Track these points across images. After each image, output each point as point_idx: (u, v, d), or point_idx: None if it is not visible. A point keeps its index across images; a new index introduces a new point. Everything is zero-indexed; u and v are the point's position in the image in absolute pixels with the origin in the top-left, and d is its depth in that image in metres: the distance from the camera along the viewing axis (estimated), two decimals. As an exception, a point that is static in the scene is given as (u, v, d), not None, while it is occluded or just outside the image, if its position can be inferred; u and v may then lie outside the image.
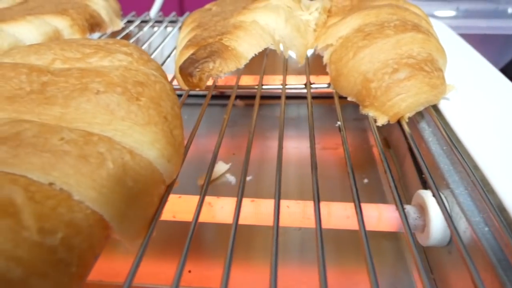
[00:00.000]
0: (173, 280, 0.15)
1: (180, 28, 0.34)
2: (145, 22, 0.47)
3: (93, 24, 0.38)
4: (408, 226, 0.17)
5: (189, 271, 0.27)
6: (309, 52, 0.30)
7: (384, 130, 0.38)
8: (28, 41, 0.31)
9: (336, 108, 0.25)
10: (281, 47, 0.27)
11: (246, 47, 0.25)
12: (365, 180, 0.33)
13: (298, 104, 0.46)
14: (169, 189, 0.19)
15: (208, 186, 0.19)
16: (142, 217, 0.17)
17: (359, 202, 0.17)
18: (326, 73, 0.33)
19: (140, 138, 0.17)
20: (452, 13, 0.49)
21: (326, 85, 0.28)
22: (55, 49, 0.21)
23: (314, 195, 0.18)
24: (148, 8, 0.58)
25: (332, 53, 0.26)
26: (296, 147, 0.38)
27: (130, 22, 0.48)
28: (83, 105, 0.17)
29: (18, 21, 0.31)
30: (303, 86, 0.28)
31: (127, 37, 0.44)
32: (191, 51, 0.25)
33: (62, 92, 0.18)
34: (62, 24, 0.34)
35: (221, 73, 0.23)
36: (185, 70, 0.24)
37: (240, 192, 0.19)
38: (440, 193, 0.21)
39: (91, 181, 0.15)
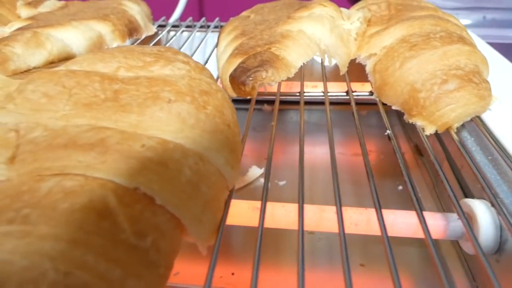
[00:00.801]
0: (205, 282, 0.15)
1: (218, 34, 0.35)
2: (176, 27, 0.48)
3: (131, 29, 0.39)
4: (472, 233, 0.17)
5: (221, 277, 0.27)
6: (333, 61, 0.31)
7: (415, 137, 0.39)
8: (75, 46, 0.32)
9: (382, 116, 0.25)
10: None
11: (295, 56, 0.25)
12: (400, 187, 0.34)
13: (322, 109, 0.47)
14: (230, 194, 0.20)
15: (267, 191, 0.20)
16: (213, 222, 0.17)
17: (421, 211, 0.18)
18: (358, 80, 0.34)
19: (208, 145, 0.18)
20: (478, 22, 0.49)
21: (367, 93, 0.29)
22: (119, 57, 0.22)
23: (375, 203, 0.18)
24: (167, 13, 0.58)
25: (376, 62, 0.27)
26: (328, 153, 0.39)
27: (160, 26, 0.49)
28: (157, 113, 0.18)
29: (65, 26, 0.32)
30: (345, 93, 0.29)
31: (159, 42, 0.45)
32: (239, 60, 0.26)
33: (136, 100, 0.18)
34: (104, 30, 0.35)
35: (272, 82, 0.24)
36: (237, 79, 0.24)
37: (264, 196, 0.19)
38: (491, 203, 0.22)
39: (172, 187, 0.16)
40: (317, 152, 0.39)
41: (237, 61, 0.26)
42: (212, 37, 0.47)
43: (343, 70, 0.29)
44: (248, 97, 0.24)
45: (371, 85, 0.28)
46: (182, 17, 0.55)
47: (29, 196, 0.15)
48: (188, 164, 0.17)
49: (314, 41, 0.27)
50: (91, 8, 0.39)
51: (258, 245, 0.17)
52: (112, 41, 0.36)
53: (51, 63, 0.31)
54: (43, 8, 0.38)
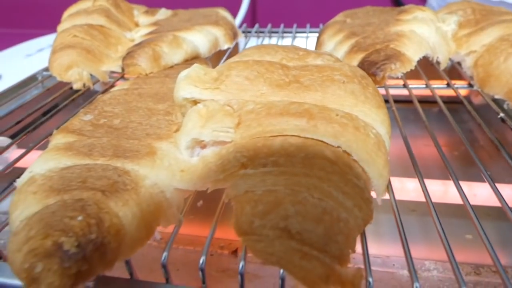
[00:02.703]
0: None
1: (318, 38, 0.40)
2: (261, 33, 0.53)
3: (235, 33, 0.44)
4: None
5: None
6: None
7: (494, 131, 0.43)
8: (201, 47, 0.38)
9: (489, 103, 0.29)
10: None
11: (412, 52, 0.30)
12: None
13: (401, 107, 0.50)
14: (382, 161, 0.24)
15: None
16: (388, 178, 0.22)
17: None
18: (438, 78, 0.38)
19: (375, 118, 0.23)
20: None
21: (466, 85, 0.33)
22: (279, 51, 0.27)
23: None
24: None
25: (478, 58, 0.31)
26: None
27: (245, 33, 0.54)
28: (337, 91, 0.22)
29: (192, 30, 0.38)
30: (446, 85, 0.33)
31: (236, 47, 0.50)
32: (360, 55, 0.31)
33: (315, 82, 0.23)
34: (218, 33, 0.40)
35: (399, 73, 0.29)
36: (367, 71, 0.29)
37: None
38: None
39: (364, 146, 0.20)
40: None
41: (358, 56, 0.31)
42: (283, 40, 0.52)
43: (444, 65, 0.33)
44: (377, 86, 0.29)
45: (472, 78, 0.32)
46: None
47: (268, 149, 0.19)
48: (371, 130, 0.21)
49: (424, 40, 0.31)
50: (199, 16, 0.44)
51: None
52: (223, 43, 0.41)
53: (186, 61, 0.36)
54: (159, 16, 0.44)
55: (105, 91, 0.30)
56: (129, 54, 0.33)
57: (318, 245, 0.16)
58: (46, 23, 0.86)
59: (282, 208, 0.17)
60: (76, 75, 0.34)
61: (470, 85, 0.33)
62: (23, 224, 0.17)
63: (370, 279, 0.17)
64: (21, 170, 0.21)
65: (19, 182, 0.20)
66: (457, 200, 0.25)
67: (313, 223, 0.16)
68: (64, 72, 0.34)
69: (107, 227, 0.17)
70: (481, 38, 0.32)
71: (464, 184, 0.24)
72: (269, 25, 0.55)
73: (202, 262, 0.18)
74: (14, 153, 0.34)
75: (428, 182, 0.25)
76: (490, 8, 0.37)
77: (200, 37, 0.38)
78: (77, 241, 0.16)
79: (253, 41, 0.53)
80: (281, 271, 0.17)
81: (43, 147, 0.25)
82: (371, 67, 0.29)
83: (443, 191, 0.29)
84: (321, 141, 0.20)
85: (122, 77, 0.37)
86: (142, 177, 0.20)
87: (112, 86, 0.35)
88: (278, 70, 0.24)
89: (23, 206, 0.18)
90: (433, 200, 0.22)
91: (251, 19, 0.87)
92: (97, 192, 0.18)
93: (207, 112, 0.22)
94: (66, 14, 0.42)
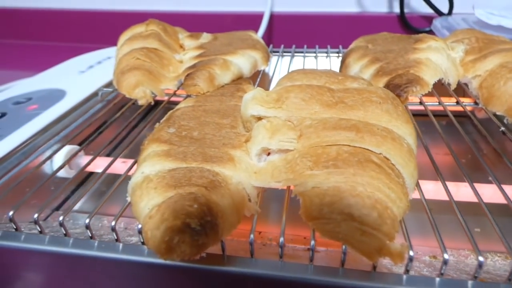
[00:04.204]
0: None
1: (343, 61, 0.46)
2: (287, 52, 0.59)
3: (268, 55, 0.50)
4: None
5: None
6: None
7: (496, 142, 0.49)
8: (244, 69, 0.44)
9: (492, 118, 0.36)
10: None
11: (429, 77, 0.36)
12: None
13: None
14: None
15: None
16: (416, 178, 0.28)
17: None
18: (446, 95, 0.44)
19: (405, 131, 0.29)
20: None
21: (473, 103, 0.39)
22: (323, 76, 0.33)
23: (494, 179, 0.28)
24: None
25: (482, 81, 0.38)
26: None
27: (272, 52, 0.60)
28: (375, 110, 0.28)
29: (236, 54, 0.44)
30: (455, 103, 0.39)
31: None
32: (385, 78, 0.37)
33: (357, 102, 0.29)
34: (257, 56, 0.46)
35: (418, 95, 0.35)
36: (392, 93, 0.35)
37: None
38: None
39: (400, 153, 0.26)
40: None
41: (383, 79, 0.37)
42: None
43: (454, 86, 0.39)
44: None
45: (477, 97, 0.39)
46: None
47: (327, 155, 0.25)
48: (403, 140, 0.27)
49: (438, 66, 0.38)
50: (237, 39, 0.50)
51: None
52: (261, 65, 0.47)
53: (232, 81, 0.42)
54: (202, 39, 0.50)
55: (175, 109, 0.36)
56: (189, 76, 0.39)
57: (374, 225, 0.22)
58: (91, 38, 0.92)
59: (345, 199, 0.22)
60: (142, 93, 0.40)
61: (476, 103, 0.39)
62: (155, 210, 0.22)
63: (411, 252, 0.22)
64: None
65: (133, 181, 0.26)
66: (467, 198, 0.31)
67: (369, 209, 0.22)
68: (132, 90, 0.40)
69: (216, 212, 0.22)
70: (485, 65, 0.38)
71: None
72: (305, 46, 0.61)
73: (282, 242, 0.24)
74: (82, 159, 0.39)
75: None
76: (491, 37, 0.44)
77: (243, 60, 0.44)
78: (199, 222, 0.21)
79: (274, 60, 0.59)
80: (344, 246, 0.23)
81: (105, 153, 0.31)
82: (396, 89, 0.35)
83: (455, 191, 0.34)
84: (367, 149, 0.26)
85: (174, 93, 0.43)
86: (229, 177, 0.26)
87: (163, 101, 0.41)
88: (326, 92, 0.30)
89: (148, 198, 0.24)
90: (446, 198, 0.28)
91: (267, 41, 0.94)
92: (201, 187, 0.24)
93: (272, 126, 0.28)
94: (123, 38, 0.48)
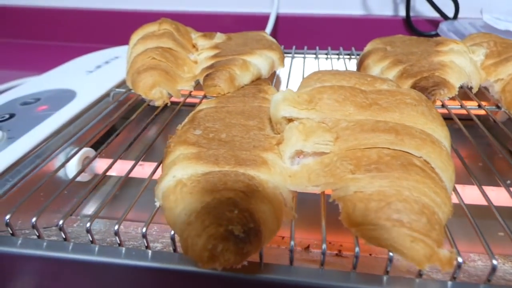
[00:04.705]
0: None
1: (360, 62, 0.45)
2: (300, 54, 0.59)
3: (283, 57, 0.49)
4: None
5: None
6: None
7: (510, 143, 0.49)
8: (262, 69, 0.43)
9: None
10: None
11: (454, 80, 0.36)
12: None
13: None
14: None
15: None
16: (454, 181, 0.27)
17: None
18: (468, 99, 0.44)
19: (441, 134, 0.28)
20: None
21: (494, 107, 0.39)
22: (352, 77, 0.32)
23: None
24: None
25: (505, 84, 0.37)
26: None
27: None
28: (411, 112, 0.28)
29: (254, 55, 0.43)
30: (477, 107, 0.39)
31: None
32: (410, 81, 0.36)
33: (392, 104, 0.28)
34: (274, 57, 0.46)
35: (445, 97, 0.34)
36: (419, 93, 0.34)
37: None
38: None
39: (440, 157, 0.25)
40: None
41: (408, 82, 0.37)
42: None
43: (475, 90, 0.39)
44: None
45: (499, 101, 0.38)
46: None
47: (367, 158, 0.24)
48: (442, 143, 0.26)
49: (462, 69, 0.37)
50: (251, 40, 0.49)
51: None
52: (278, 65, 0.46)
53: (252, 82, 0.41)
54: (216, 39, 0.49)
55: (198, 111, 0.35)
56: (209, 76, 0.38)
57: (424, 231, 0.21)
58: (95, 38, 0.90)
59: (393, 204, 0.22)
60: (158, 93, 0.39)
61: (498, 107, 0.38)
62: (193, 216, 0.21)
63: (460, 259, 0.21)
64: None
65: (164, 185, 0.25)
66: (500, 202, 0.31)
67: (418, 215, 0.21)
68: (148, 91, 0.39)
69: (257, 218, 0.21)
70: (508, 68, 0.38)
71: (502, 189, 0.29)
72: (317, 48, 0.60)
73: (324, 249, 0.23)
74: (96, 161, 0.37)
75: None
76: (509, 42, 0.44)
77: (261, 61, 0.43)
78: (242, 228, 0.20)
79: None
80: (390, 253, 0.22)
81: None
82: (423, 91, 0.34)
83: (494, 195, 0.34)
84: (407, 152, 0.25)
85: (190, 94, 0.42)
86: (265, 181, 0.25)
87: (180, 103, 0.39)
88: (359, 94, 0.29)
89: (183, 203, 0.22)
90: (484, 203, 0.27)
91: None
92: (239, 192, 0.23)
93: (305, 128, 0.27)
94: (135, 37, 0.47)
